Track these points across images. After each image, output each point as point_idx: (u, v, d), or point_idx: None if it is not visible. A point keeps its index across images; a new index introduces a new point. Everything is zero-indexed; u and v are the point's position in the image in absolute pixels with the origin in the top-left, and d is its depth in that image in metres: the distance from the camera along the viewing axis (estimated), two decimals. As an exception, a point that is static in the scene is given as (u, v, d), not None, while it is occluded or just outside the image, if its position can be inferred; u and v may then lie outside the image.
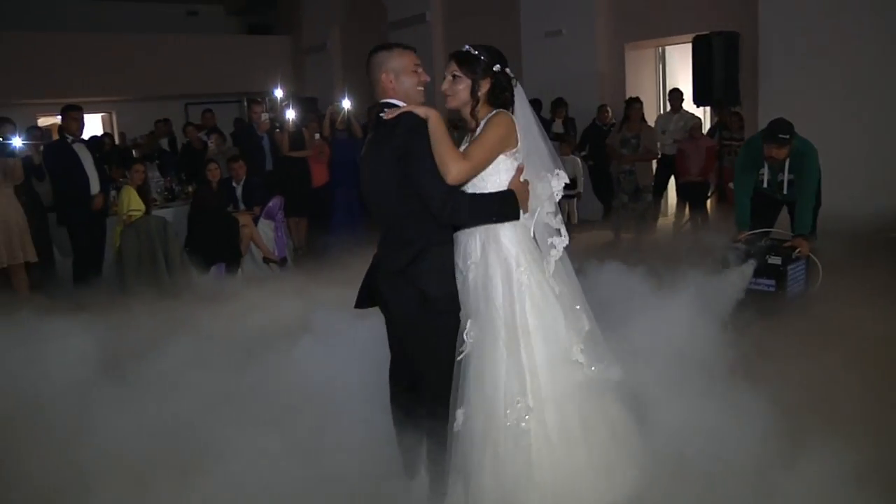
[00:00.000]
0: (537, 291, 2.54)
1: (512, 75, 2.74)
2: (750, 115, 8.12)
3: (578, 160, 9.15)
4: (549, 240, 2.62)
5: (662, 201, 8.94)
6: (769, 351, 4.01)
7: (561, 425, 2.45)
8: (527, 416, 2.39)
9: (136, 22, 15.90)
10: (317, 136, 8.70)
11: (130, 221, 6.99)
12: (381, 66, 2.76)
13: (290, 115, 8.69)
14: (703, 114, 8.77)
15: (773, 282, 4.89)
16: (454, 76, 2.72)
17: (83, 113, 6.88)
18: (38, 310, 5.46)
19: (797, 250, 4.95)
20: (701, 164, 8.15)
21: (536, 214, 2.65)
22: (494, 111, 2.65)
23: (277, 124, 8.83)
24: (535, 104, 9.72)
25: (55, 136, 8.08)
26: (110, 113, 15.68)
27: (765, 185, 5.33)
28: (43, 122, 14.79)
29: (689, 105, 8.46)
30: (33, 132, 7.99)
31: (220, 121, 10.23)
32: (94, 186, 6.77)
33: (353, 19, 14.13)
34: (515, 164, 2.62)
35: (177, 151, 10.78)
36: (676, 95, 8.72)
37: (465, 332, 2.56)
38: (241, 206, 8.05)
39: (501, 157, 2.60)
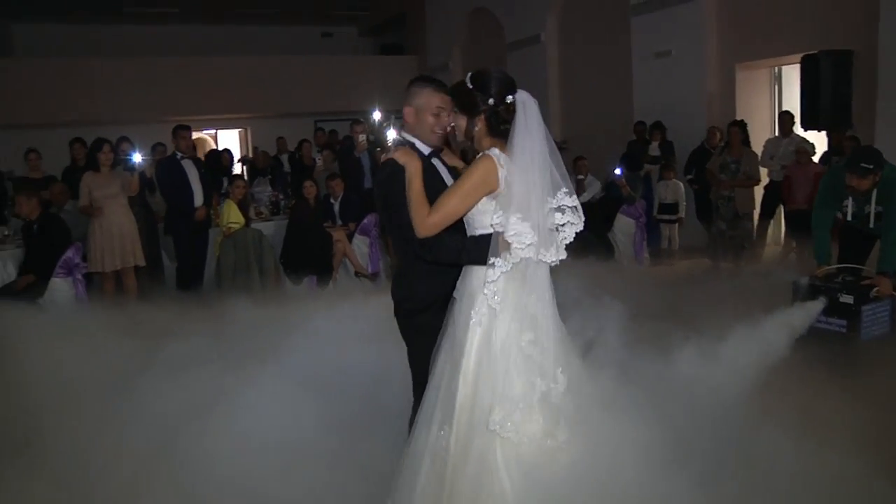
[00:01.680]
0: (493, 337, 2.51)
1: (511, 101, 2.61)
2: (867, 140, 7.55)
3: (681, 184, 8.85)
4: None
5: (770, 229, 8.48)
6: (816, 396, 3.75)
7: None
8: (446, 446, 2.40)
9: (274, 44, 16.97)
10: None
11: (229, 233, 7.50)
12: (409, 99, 2.82)
13: (391, 135, 8.96)
14: (819, 138, 8.23)
15: (844, 322, 4.55)
16: (454, 111, 2.73)
17: (191, 132, 7.47)
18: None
19: (875, 289, 4.57)
20: (809, 191, 7.62)
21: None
22: (482, 153, 2.60)
23: (378, 145, 9.15)
24: (641, 126, 9.54)
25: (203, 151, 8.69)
26: (245, 129, 16.76)
27: (849, 217, 4.97)
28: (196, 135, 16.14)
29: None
30: (158, 148, 8.74)
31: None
32: (198, 199, 7.31)
33: (473, 40, 14.38)
34: (492, 205, 2.57)
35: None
36: (787, 118, 8.26)
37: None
38: (339, 222, 8.42)
39: (485, 199, 2.56)
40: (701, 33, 9.34)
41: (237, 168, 11.66)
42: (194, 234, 7.35)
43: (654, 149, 9.36)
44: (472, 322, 2.52)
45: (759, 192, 8.26)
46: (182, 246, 7.34)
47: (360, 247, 8.60)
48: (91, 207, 6.78)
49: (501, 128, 2.61)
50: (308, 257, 7.90)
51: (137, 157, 6.98)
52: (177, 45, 16.10)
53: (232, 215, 7.56)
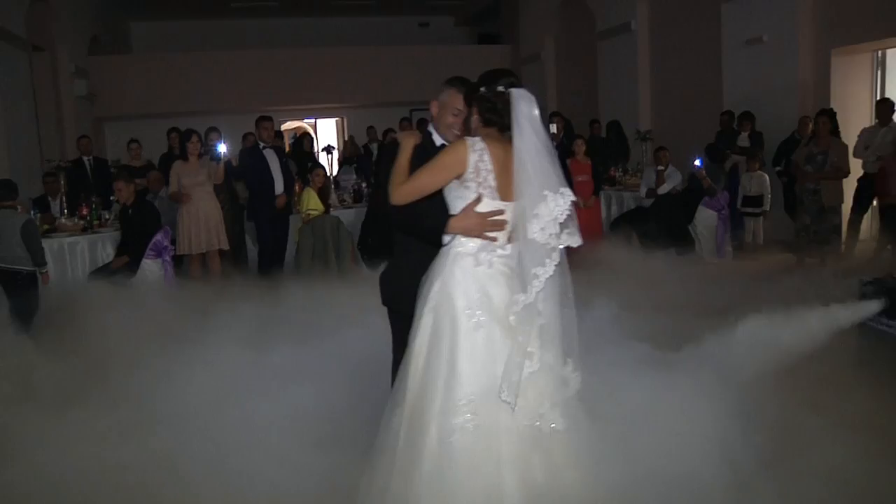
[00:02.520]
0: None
1: (503, 91, 2.68)
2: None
3: (766, 176, 8.51)
4: (533, 270, 2.53)
5: (864, 224, 8.05)
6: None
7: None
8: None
9: (372, 34, 17.35)
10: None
11: (308, 220, 7.81)
12: (439, 94, 3.04)
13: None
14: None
15: (907, 324, 4.32)
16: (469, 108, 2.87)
17: (273, 122, 7.82)
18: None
19: (945, 291, 4.32)
20: (905, 184, 7.22)
21: (527, 236, 2.60)
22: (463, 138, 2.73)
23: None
24: (727, 116, 9.23)
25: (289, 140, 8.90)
26: (342, 118, 17.24)
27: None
28: (287, 126, 16.82)
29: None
30: (248, 137, 9.18)
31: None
32: (279, 187, 7.66)
33: (564, 29, 14.23)
34: (468, 192, 2.65)
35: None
36: (885, 106, 7.81)
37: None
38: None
39: (454, 182, 2.66)
40: (795, 18, 8.92)
41: (322, 157, 12.03)
42: (275, 221, 7.70)
43: (743, 139, 9.03)
44: (425, 307, 2.64)
45: (851, 184, 7.85)
46: (263, 232, 7.72)
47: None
48: (179, 194, 7.24)
49: (489, 116, 2.71)
50: (384, 244, 8.10)
51: (223, 148, 7.37)
52: (279, 37, 16.76)
53: (311, 203, 7.87)
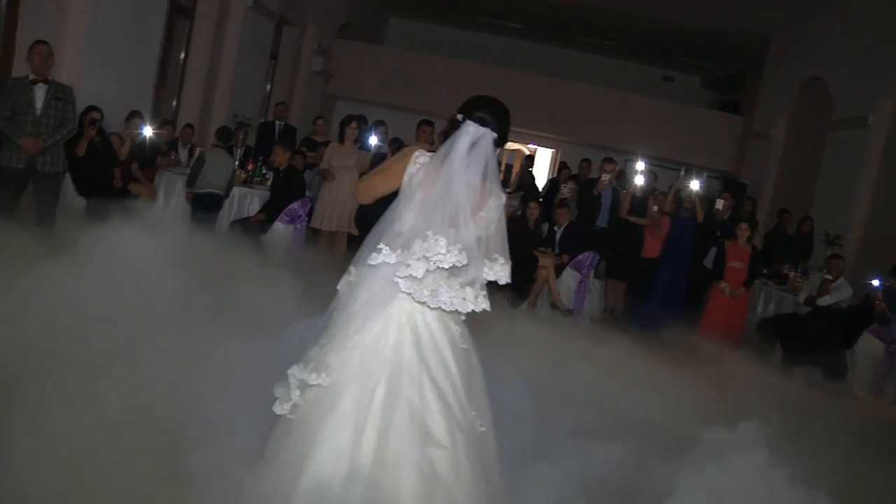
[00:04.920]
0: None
1: (461, 118, 2.69)
2: None
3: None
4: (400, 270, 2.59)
5: None
6: None
7: None
8: None
9: (609, 76, 17.11)
10: (655, 208, 8.51)
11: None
12: None
13: (639, 180, 8.66)
14: None
15: None
16: None
17: (433, 128, 7.99)
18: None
19: None
20: None
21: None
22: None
23: (625, 185, 8.89)
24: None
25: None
26: (557, 150, 17.22)
27: None
28: (509, 146, 17.13)
29: None
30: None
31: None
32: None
33: (800, 111, 13.08)
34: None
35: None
36: None
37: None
38: (556, 250, 8.38)
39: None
40: None
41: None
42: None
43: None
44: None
45: None
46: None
47: (569, 281, 8.48)
48: (327, 172, 7.66)
49: (441, 137, 2.72)
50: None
51: (374, 140, 7.69)
52: (516, 58, 17.10)
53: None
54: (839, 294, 7.48)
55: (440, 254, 2.51)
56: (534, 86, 15.46)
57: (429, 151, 2.79)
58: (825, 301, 7.49)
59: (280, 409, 2.61)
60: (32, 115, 5.49)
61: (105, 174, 7.18)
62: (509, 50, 17.48)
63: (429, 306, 2.58)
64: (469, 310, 2.60)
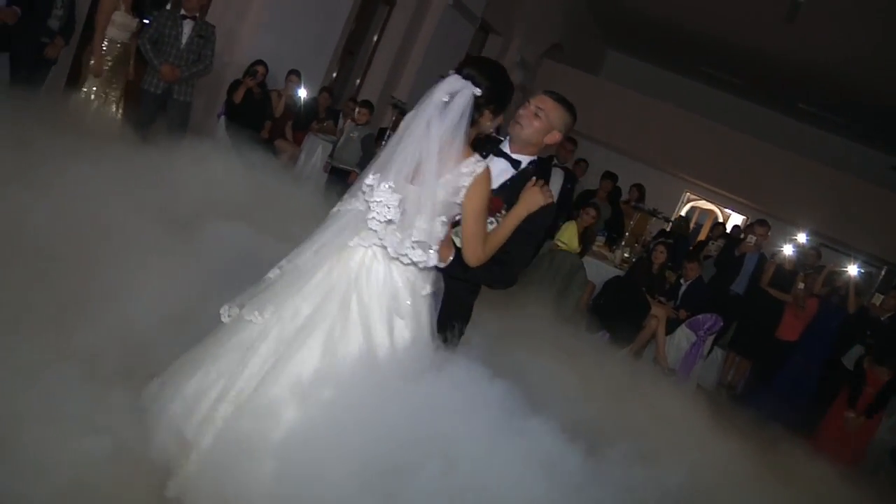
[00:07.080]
0: None
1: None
2: None
3: None
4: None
5: None
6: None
7: None
8: None
9: (826, 153, 15.59)
10: (801, 285, 7.65)
11: (554, 249, 7.63)
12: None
13: (788, 251, 7.84)
14: None
15: None
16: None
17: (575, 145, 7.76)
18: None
19: None
20: None
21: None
22: None
23: (773, 254, 8.08)
24: None
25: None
26: (721, 208, 16.37)
27: None
28: (695, 203, 16.34)
29: None
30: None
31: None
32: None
33: None
34: None
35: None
36: None
37: None
38: (675, 303, 7.79)
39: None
40: None
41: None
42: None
43: None
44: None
45: None
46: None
47: (681, 340, 7.84)
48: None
49: None
50: (616, 312, 7.55)
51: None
52: (728, 114, 16.11)
53: (566, 235, 7.67)
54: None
55: (377, 201, 2.39)
56: (740, 146, 14.50)
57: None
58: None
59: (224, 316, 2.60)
60: (176, 48, 6.02)
61: (256, 125, 7.70)
62: (719, 102, 16.52)
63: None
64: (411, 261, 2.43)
